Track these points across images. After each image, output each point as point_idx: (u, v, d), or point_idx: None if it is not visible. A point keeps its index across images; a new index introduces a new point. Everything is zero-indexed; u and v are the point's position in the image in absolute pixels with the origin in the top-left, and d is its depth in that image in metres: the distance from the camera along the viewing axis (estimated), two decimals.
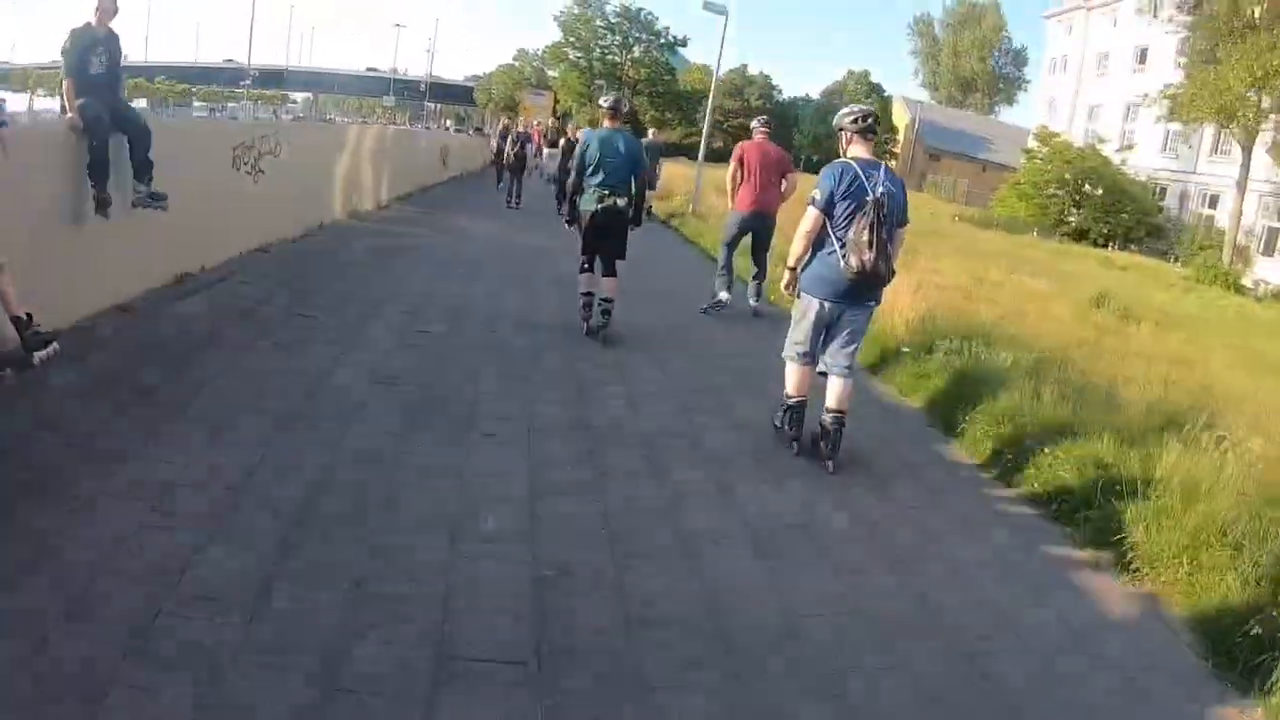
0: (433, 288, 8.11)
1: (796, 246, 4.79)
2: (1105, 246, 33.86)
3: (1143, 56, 40.53)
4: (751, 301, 8.88)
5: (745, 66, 66.52)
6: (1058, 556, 4.08)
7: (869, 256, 4.47)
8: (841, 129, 4.86)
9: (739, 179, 8.55)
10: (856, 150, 4.78)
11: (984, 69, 75.64)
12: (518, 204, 17.09)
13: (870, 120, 4.83)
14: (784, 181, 8.68)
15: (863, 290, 4.71)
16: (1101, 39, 44.90)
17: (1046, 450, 5.00)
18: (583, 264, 7.01)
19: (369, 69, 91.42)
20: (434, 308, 7.25)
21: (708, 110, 18.38)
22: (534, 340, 6.68)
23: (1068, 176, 37.70)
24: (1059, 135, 40.80)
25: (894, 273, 4.78)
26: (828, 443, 4.78)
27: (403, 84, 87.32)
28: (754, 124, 9.14)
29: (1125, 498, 4.32)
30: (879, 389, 6.64)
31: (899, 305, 7.56)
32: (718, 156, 18.10)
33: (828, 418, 4.79)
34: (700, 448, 4.79)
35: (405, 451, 4.09)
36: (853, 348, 4.88)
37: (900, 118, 62.38)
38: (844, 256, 4.55)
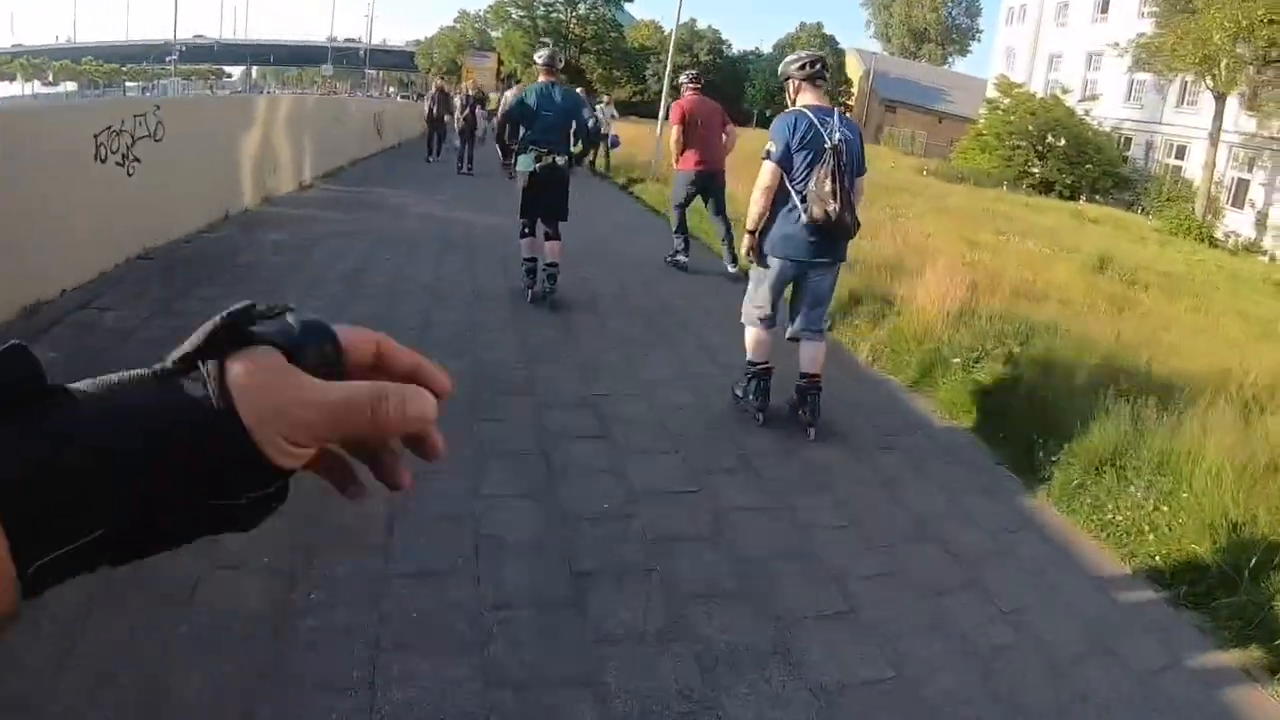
0: (352, 295, 6.44)
1: (755, 206, 4.47)
2: (1072, 199, 33.08)
3: (1104, 5, 39.54)
4: (729, 268, 8.50)
5: (694, 21, 64.83)
6: (1202, 669, 3.04)
7: (833, 207, 4.23)
8: (789, 77, 4.58)
9: (684, 139, 8.33)
10: (807, 98, 4.49)
11: (936, 19, 74.51)
12: (469, 169, 15.99)
13: (819, 66, 4.56)
14: (724, 134, 8.50)
15: (828, 246, 4.43)
16: None
17: (1165, 508, 3.95)
18: (523, 228, 6.70)
19: (336, 39, 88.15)
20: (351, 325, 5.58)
21: (667, 67, 16.85)
22: (482, 375, 5.00)
23: (1031, 128, 36.73)
24: (1020, 85, 39.76)
25: (859, 224, 4.45)
26: (807, 409, 4.55)
27: (341, 52, 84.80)
28: (683, 79, 8.81)
29: (1269, 575, 3.38)
30: (922, 408, 5.32)
31: (934, 296, 6.22)
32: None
33: (804, 383, 4.57)
34: (706, 510, 3.43)
35: (287, 620, 2.54)
36: (821, 309, 4.64)
37: (854, 70, 61.10)
38: (807, 209, 4.29)
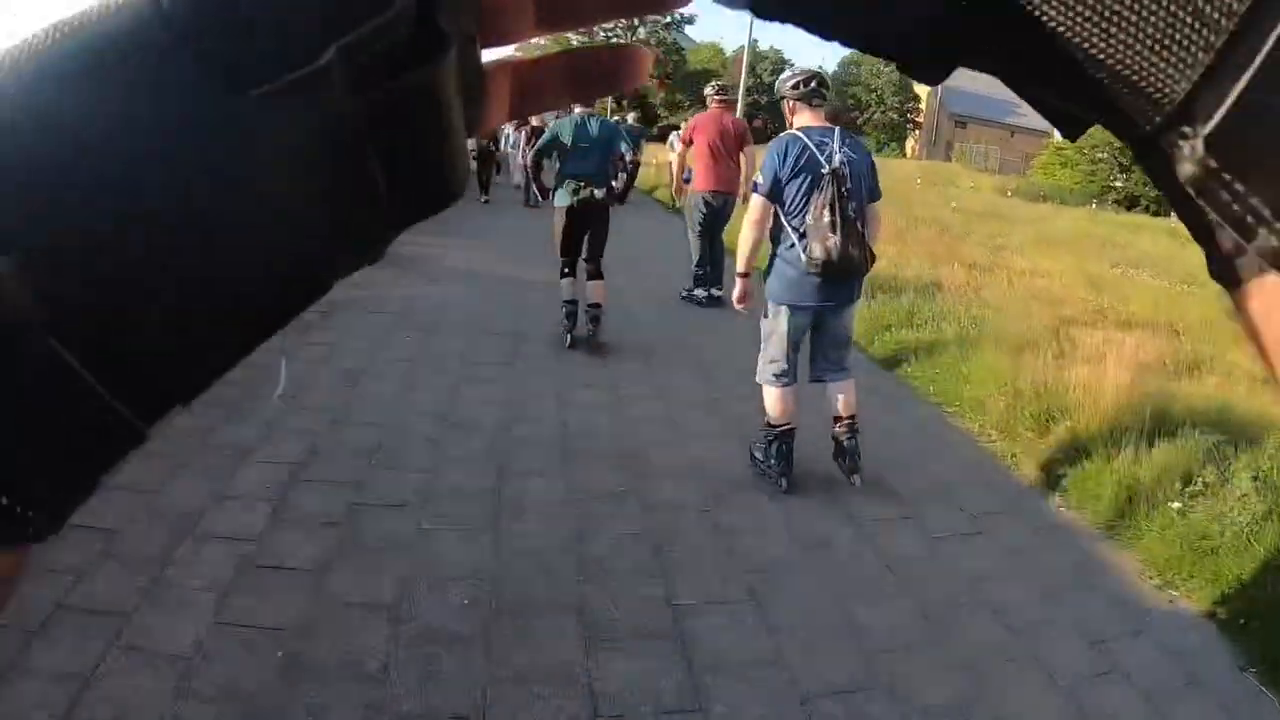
0: (347, 411, 4.86)
1: (744, 243, 4.08)
2: (1159, 214, 31.00)
3: None
4: (712, 290, 8.16)
5: (756, 42, 63.70)
6: None
7: (834, 241, 3.78)
8: (783, 97, 4.16)
9: (689, 157, 8.03)
10: (804, 119, 4.07)
11: None
12: (535, 202, 14.70)
13: (814, 84, 4.11)
14: (741, 155, 7.89)
15: (836, 287, 3.97)
16: None
17: None
18: (563, 268, 6.38)
19: None
20: (317, 498, 3.69)
21: (740, 91, 15.73)
22: (507, 580, 3.18)
23: (1112, 139, 34.68)
24: None
25: (874, 257, 4.01)
26: (845, 457, 4.18)
27: None
28: (708, 90, 8.25)
29: None
30: (1126, 570, 3.76)
31: (1118, 393, 4.70)
32: None
33: (840, 429, 4.18)
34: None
35: None
36: (842, 351, 4.23)
37: (922, 86, 59.32)
38: (806, 248, 3.86)
